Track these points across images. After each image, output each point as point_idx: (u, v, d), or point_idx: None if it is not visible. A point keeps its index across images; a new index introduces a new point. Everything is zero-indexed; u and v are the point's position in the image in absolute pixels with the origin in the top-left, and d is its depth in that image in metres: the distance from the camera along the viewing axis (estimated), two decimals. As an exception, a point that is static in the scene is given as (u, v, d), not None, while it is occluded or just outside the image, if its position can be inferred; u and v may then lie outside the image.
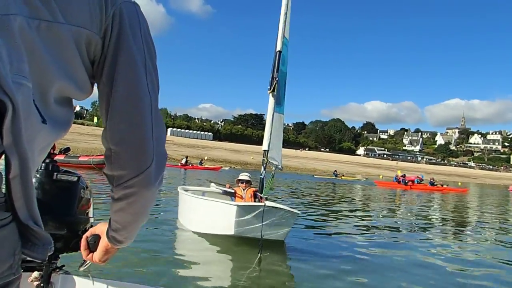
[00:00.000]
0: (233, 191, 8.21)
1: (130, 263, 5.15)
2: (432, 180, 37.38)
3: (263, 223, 6.30)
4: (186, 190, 8.67)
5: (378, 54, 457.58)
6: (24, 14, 0.67)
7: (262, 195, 7.78)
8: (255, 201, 7.66)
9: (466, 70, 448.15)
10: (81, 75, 0.81)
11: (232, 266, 5.87)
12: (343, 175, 49.02)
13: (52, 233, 1.26)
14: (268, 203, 7.35)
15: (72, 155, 21.79)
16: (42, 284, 1.31)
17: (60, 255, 1.34)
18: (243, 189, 8.01)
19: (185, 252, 6.31)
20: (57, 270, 1.38)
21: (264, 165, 8.16)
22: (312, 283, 5.21)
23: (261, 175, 8.11)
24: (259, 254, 5.89)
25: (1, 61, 0.60)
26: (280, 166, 8.97)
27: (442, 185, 36.93)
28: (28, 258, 1.25)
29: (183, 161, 38.73)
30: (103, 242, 1.06)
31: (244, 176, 8.16)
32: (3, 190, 0.65)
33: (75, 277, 1.45)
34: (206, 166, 40.75)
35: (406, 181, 36.70)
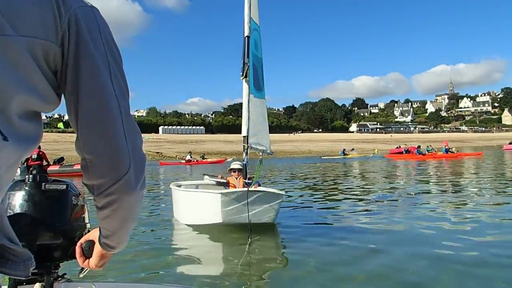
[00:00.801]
0: (225, 180, 8.34)
1: (127, 261, 5.22)
2: (446, 146, 36.86)
3: (249, 208, 6.35)
4: (179, 186, 8.77)
5: (358, 28, 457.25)
6: None
7: (246, 181, 7.91)
8: (248, 187, 7.70)
9: (448, 34, 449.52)
10: (43, 87, 0.78)
11: (224, 255, 5.96)
12: (350, 151, 48.01)
13: (48, 243, 1.25)
14: (263, 188, 7.47)
15: (67, 164, 21.67)
16: None
17: (60, 264, 1.33)
18: (236, 178, 8.18)
19: (180, 246, 6.38)
20: (59, 279, 1.36)
21: (246, 151, 8.24)
22: (303, 264, 5.24)
23: (243, 161, 8.23)
24: (249, 239, 6.02)
25: None
26: (269, 151, 9.13)
27: (457, 151, 36.98)
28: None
29: (187, 158, 38.58)
30: (98, 248, 1.07)
31: (235, 165, 8.40)
32: None
33: (77, 283, 1.43)
34: (209, 160, 40.51)
35: (422, 151, 36.66)
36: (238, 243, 6.18)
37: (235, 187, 7.91)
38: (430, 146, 38.54)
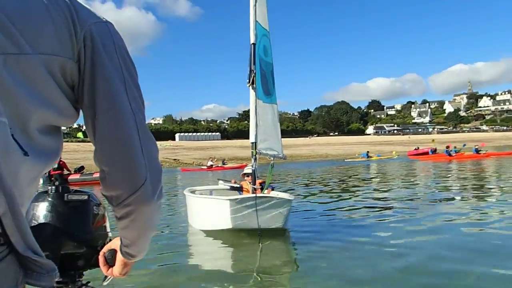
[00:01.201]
0: (239, 185, 8.45)
1: (144, 268, 5.25)
2: (476, 147, 35.35)
3: (258, 213, 6.41)
4: (193, 192, 8.88)
5: (371, 30, 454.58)
6: None
7: (255, 187, 7.92)
8: (261, 192, 7.78)
9: (466, 33, 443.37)
10: (61, 102, 0.80)
11: (235, 260, 6.00)
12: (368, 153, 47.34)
13: (72, 252, 1.27)
14: (274, 193, 7.59)
15: (87, 172, 21.99)
16: None
17: (84, 273, 1.35)
18: (249, 182, 8.26)
19: (192, 252, 6.53)
20: (83, 287, 1.38)
21: (254, 157, 8.24)
22: (315, 269, 5.25)
23: (252, 167, 8.24)
24: (260, 245, 6.08)
25: None
26: (281, 155, 9.15)
27: (486, 151, 35.30)
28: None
29: (209, 164, 38.66)
30: (120, 256, 1.10)
31: (249, 169, 8.49)
32: None
33: None
34: (230, 165, 40.52)
35: (450, 152, 35.18)
36: (249, 249, 6.23)
37: (248, 191, 7.97)
38: (455, 146, 37.24)
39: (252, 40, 8.56)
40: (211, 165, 37.95)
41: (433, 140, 44.08)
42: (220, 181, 9.37)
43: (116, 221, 0.94)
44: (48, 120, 0.79)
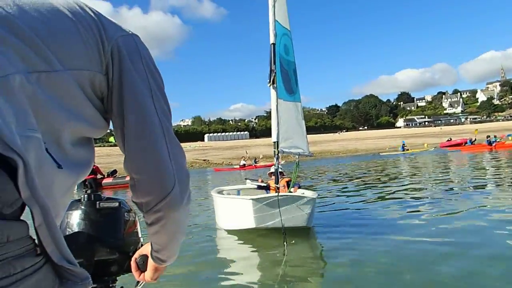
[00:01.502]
0: (266, 184, 8.52)
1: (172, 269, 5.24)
2: None
3: (281, 212, 6.40)
4: (221, 191, 8.96)
5: (399, 21, 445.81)
6: (21, 71, 0.69)
7: (278, 185, 7.92)
8: (288, 191, 7.90)
9: (497, 19, 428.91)
10: (92, 114, 0.83)
11: (261, 260, 5.98)
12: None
13: (105, 258, 1.31)
14: (300, 191, 7.65)
15: (120, 176, 22.47)
16: None
17: (117, 278, 1.38)
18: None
19: (218, 252, 6.56)
20: None
21: (276, 156, 8.22)
22: (340, 267, 5.22)
23: (275, 166, 8.22)
24: (285, 244, 6.05)
25: (5, 122, 0.62)
26: (307, 153, 9.19)
27: None
28: None
29: (242, 163, 38.86)
30: (151, 262, 1.12)
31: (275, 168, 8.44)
32: (33, 237, 0.68)
33: None
34: (263, 164, 40.52)
35: (491, 141, 34.51)
36: (274, 248, 6.22)
37: (275, 190, 8.02)
38: (495, 136, 36.21)
39: (272, 40, 8.63)
40: (244, 165, 38.08)
41: (476, 130, 42.95)
42: (248, 181, 9.44)
43: (147, 227, 0.96)
44: (80, 132, 0.83)
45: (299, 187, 8.34)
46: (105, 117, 0.88)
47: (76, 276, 0.72)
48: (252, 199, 6.89)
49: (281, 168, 8.46)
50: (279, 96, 8.59)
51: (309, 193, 7.34)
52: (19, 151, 0.61)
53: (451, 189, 11.76)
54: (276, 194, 6.77)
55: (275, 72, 8.39)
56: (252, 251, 6.47)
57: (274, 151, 8.30)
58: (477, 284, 4.42)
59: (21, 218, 0.67)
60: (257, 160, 41.60)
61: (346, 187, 15.11)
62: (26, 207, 0.66)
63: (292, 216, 6.62)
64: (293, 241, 6.30)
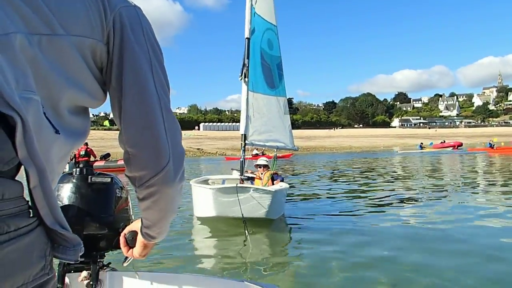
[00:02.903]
0: (253, 175, 8.70)
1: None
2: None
3: (241, 203, 6.54)
4: (206, 181, 9.11)
5: (399, 21, 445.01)
6: (23, 31, 0.68)
7: (242, 177, 8.22)
8: (273, 183, 8.19)
9: (496, 25, 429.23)
10: (91, 83, 0.83)
11: (221, 247, 6.13)
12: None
13: (94, 233, 1.33)
14: (283, 184, 7.96)
15: (112, 160, 22.36)
16: (91, 282, 1.38)
17: (105, 254, 1.40)
18: (262, 173, 8.60)
19: (186, 237, 6.62)
20: (104, 267, 1.44)
21: (243, 148, 8.40)
22: (298, 258, 5.40)
23: (240, 158, 8.39)
24: (246, 233, 6.19)
25: (6, 80, 0.62)
26: (289, 147, 9.51)
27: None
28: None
29: (255, 152, 38.92)
30: (140, 238, 1.11)
31: (261, 161, 8.83)
32: (27, 198, 0.68)
33: (122, 272, 1.50)
34: (272, 154, 40.30)
35: (493, 145, 36.07)
36: (236, 237, 6.39)
37: (260, 180, 8.38)
38: (492, 141, 37.54)
39: (246, 35, 8.67)
40: (256, 154, 38.16)
41: (495, 138, 43.75)
42: (234, 171, 9.46)
43: (139, 203, 0.95)
44: (78, 101, 0.82)
45: (282, 180, 8.53)
46: (103, 88, 0.87)
47: (68, 241, 0.72)
48: (212, 188, 7.06)
49: (266, 161, 8.75)
50: (257, 90, 8.77)
51: (276, 187, 7.48)
52: (18, 110, 0.61)
53: (441, 186, 11.85)
54: (235, 185, 6.90)
55: (247, 66, 8.47)
56: (215, 239, 6.61)
57: (241, 143, 8.43)
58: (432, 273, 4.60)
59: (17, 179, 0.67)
60: (264, 151, 41.74)
61: (330, 182, 15.17)
62: (22, 169, 0.66)
63: (252, 207, 6.73)
64: (252, 231, 6.41)
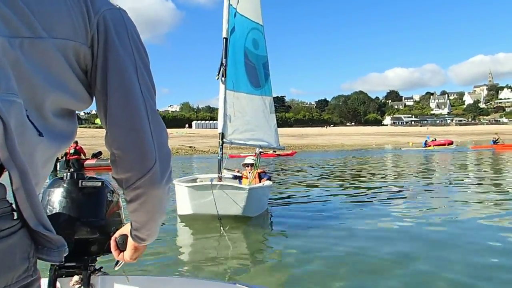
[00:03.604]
0: (240, 174, 8.88)
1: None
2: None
3: (216, 200, 6.65)
4: (195, 179, 9.16)
5: (391, 19, 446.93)
6: (4, 34, 0.68)
7: (220, 175, 8.30)
8: (260, 182, 8.45)
9: (487, 24, 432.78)
10: (75, 86, 0.82)
11: (197, 244, 6.24)
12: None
13: (85, 237, 1.32)
14: (267, 182, 8.23)
15: (104, 158, 22.26)
16: (83, 287, 1.37)
17: (97, 258, 1.39)
18: (249, 172, 8.84)
19: (166, 234, 6.59)
20: (96, 272, 1.43)
21: (220, 146, 8.52)
22: (274, 255, 5.57)
23: (218, 157, 8.50)
24: (221, 230, 6.33)
25: None
26: (274, 145, 9.82)
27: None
28: (67, 264, 1.31)
29: (257, 151, 38.67)
30: (131, 241, 1.11)
31: (249, 160, 9.13)
32: (10, 201, 0.68)
33: (113, 277, 1.49)
34: (281, 152, 40.43)
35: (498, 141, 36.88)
36: (212, 234, 6.47)
37: (247, 179, 8.55)
38: (496, 137, 38.23)
39: (224, 35, 8.75)
40: (261, 152, 37.93)
41: (496, 133, 44.41)
42: (225, 170, 9.54)
43: (127, 205, 0.96)
44: (63, 103, 0.81)
45: (269, 179, 8.72)
46: (89, 91, 0.87)
47: (52, 242, 0.72)
48: (187, 186, 7.13)
49: (253, 160, 9.02)
50: (239, 89, 8.92)
51: (240, 184, 7.64)
52: (0, 112, 0.61)
53: (431, 184, 11.95)
54: (210, 183, 6.98)
55: (225, 66, 8.55)
56: (194, 237, 6.70)
57: (219, 142, 8.53)
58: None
59: (1, 182, 0.66)
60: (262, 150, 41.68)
61: (317, 181, 15.18)
62: (5, 174, 0.66)
63: (227, 205, 6.82)
64: (228, 227, 6.53)
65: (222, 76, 8.59)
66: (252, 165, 8.92)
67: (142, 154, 0.85)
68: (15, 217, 0.68)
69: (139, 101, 0.85)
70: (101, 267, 1.46)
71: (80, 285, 1.38)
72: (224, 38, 8.73)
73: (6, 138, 0.62)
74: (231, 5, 8.97)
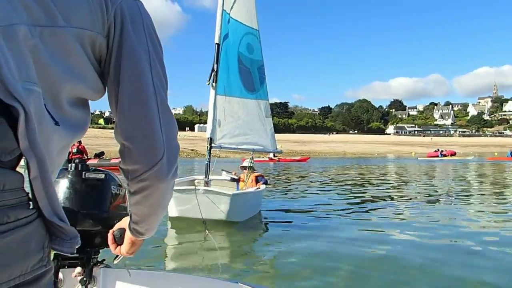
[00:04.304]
0: (237, 177, 9.02)
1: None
2: None
3: (200, 205, 6.68)
4: (193, 180, 9.30)
5: (396, 29, 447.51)
6: (26, 22, 0.68)
7: (206, 179, 8.37)
8: (256, 185, 8.60)
9: (492, 37, 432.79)
10: (91, 75, 0.83)
11: (181, 245, 6.27)
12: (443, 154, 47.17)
13: (88, 229, 1.32)
14: (263, 187, 8.42)
15: (105, 158, 22.33)
16: (85, 279, 1.38)
17: (100, 250, 1.40)
18: (247, 175, 8.94)
19: (160, 237, 6.66)
20: (98, 264, 1.44)
21: (208, 151, 8.61)
22: (259, 259, 5.56)
23: (206, 161, 8.58)
24: (206, 232, 6.42)
25: (10, 70, 0.62)
26: (270, 149, 9.93)
27: None
28: (70, 255, 1.32)
29: (270, 156, 39.17)
30: (128, 235, 1.11)
31: (246, 163, 9.19)
32: (27, 190, 0.68)
33: (115, 270, 1.50)
34: (294, 158, 40.99)
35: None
36: (195, 235, 6.61)
37: (244, 182, 8.74)
38: None
39: (216, 40, 8.82)
40: (271, 158, 38.60)
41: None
42: (224, 172, 9.63)
43: (129, 197, 0.95)
44: (78, 92, 0.81)
45: (265, 183, 8.92)
46: (103, 81, 0.87)
47: (65, 233, 0.72)
48: (174, 189, 7.16)
49: (251, 163, 9.11)
50: (232, 93, 9.09)
51: (224, 190, 7.63)
52: (21, 100, 0.62)
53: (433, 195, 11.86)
54: (193, 187, 7.07)
55: (216, 71, 8.65)
56: (178, 235, 6.85)
57: (207, 147, 8.62)
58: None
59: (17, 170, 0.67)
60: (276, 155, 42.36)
61: (315, 187, 15.15)
62: (22, 160, 0.67)
63: (211, 209, 6.88)
64: (212, 230, 6.60)
65: (213, 82, 8.65)
66: (249, 168, 9.05)
67: (150, 146, 0.84)
68: (31, 207, 0.68)
69: (150, 92, 0.85)
70: (104, 260, 1.47)
71: (82, 276, 1.38)
72: (216, 43, 8.83)
73: (27, 127, 0.63)
74: (225, 10, 9.06)
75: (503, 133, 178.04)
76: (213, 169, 8.66)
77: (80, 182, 1.35)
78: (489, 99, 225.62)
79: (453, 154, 47.06)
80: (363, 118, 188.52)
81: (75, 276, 1.39)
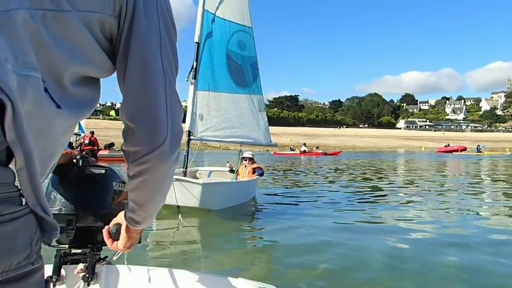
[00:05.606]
0: (236, 168, 9.49)
1: None
2: None
3: (177, 192, 6.94)
4: (195, 171, 9.89)
5: (409, 23, 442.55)
6: (26, 6, 0.67)
7: (184, 169, 8.79)
8: (249, 176, 9.15)
9: (506, 31, 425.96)
10: (98, 56, 0.81)
11: (156, 230, 6.54)
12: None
13: (88, 225, 1.31)
14: (255, 177, 9.10)
15: (116, 149, 22.54)
16: (87, 275, 1.37)
17: (102, 247, 1.39)
18: (245, 166, 9.38)
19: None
20: (101, 261, 1.43)
21: (187, 143, 8.99)
22: (226, 246, 5.72)
23: (184, 153, 8.91)
24: (179, 218, 6.76)
25: None
26: (263, 142, 10.37)
27: None
28: (73, 251, 1.32)
29: (303, 149, 40.90)
30: (124, 229, 1.10)
31: (246, 154, 9.58)
32: (18, 185, 0.67)
33: (117, 266, 1.50)
34: (326, 151, 42.51)
35: None
36: (170, 221, 6.97)
37: (241, 174, 9.29)
38: None
39: (196, 39, 9.27)
40: (304, 150, 39.53)
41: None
42: (228, 163, 10.19)
43: (128, 182, 0.93)
44: (84, 72, 0.80)
45: (260, 174, 9.39)
46: (113, 60, 0.85)
47: (47, 224, 0.71)
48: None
49: (252, 154, 9.61)
50: (218, 89, 9.50)
51: (196, 180, 8.00)
52: (8, 92, 0.60)
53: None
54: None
55: (196, 69, 9.09)
56: (154, 223, 7.06)
57: (186, 139, 8.97)
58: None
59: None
60: (315, 148, 44.89)
61: (312, 181, 14.96)
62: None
63: (186, 197, 7.17)
64: (187, 218, 6.94)
65: (193, 78, 9.10)
66: (251, 159, 9.44)
67: (154, 128, 0.82)
68: (23, 203, 0.67)
69: (159, 74, 0.83)
70: (106, 256, 1.46)
71: (84, 273, 1.37)
72: (196, 42, 9.24)
73: (14, 119, 0.61)
74: (207, 10, 9.46)
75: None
76: (193, 160, 9.18)
77: (81, 177, 1.33)
78: (503, 94, 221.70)
79: (464, 149, 46.47)
80: (373, 112, 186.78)
81: (78, 272, 1.39)
